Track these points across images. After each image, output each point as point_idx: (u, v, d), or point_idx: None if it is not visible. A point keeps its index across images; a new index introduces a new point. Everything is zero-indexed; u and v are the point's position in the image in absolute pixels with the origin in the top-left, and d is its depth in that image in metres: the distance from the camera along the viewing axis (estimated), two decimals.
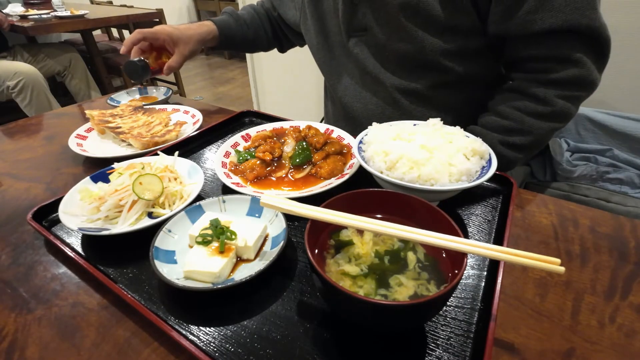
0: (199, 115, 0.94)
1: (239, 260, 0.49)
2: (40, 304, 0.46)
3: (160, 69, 0.93)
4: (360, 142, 0.62)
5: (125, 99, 1.13)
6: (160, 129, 0.88)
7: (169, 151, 0.73)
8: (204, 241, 0.48)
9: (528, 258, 0.35)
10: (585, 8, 0.60)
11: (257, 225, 0.50)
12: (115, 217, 0.56)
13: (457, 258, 0.37)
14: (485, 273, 0.46)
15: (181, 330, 0.40)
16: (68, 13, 2.59)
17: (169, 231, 0.51)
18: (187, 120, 0.95)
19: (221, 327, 0.41)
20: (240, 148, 0.75)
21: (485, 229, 0.55)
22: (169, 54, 0.94)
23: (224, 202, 0.56)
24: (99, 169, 0.65)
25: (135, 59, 0.88)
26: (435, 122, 0.63)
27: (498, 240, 0.52)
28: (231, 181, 0.64)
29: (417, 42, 0.72)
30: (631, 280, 0.46)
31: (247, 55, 2.45)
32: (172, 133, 0.86)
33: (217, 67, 4.76)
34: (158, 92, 1.17)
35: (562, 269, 0.34)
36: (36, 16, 2.49)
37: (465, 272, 0.40)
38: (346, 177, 0.63)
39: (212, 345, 0.39)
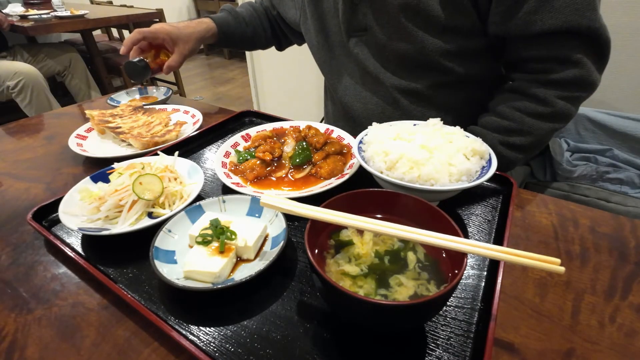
0: (199, 115, 0.94)
1: (239, 260, 0.49)
2: (40, 304, 0.46)
3: (160, 68, 0.93)
4: (360, 142, 0.62)
5: (125, 99, 1.13)
6: (160, 129, 0.88)
7: (169, 151, 0.73)
8: (204, 241, 0.48)
9: (528, 258, 0.35)
10: (585, 9, 0.60)
11: (257, 225, 0.50)
12: (115, 217, 0.56)
13: (457, 258, 0.37)
14: (485, 273, 0.46)
15: (181, 330, 0.40)
16: (68, 13, 2.59)
17: (169, 231, 0.51)
18: (187, 120, 0.95)
19: (221, 327, 0.41)
20: (240, 148, 0.75)
21: (485, 229, 0.55)
22: (168, 52, 0.94)
23: (224, 202, 0.56)
24: (99, 169, 0.65)
25: (135, 59, 0.88)
26: (435, 122, 0.63)
27: (498, 240, 0.52)
28: (231, 181, 0.64)
29: (417, 42, 0.72)
30: (631, 280, 0.46)
31: (247, 55, 2.45)
32: (172, 133, 0.86)
33: (217, 67, 4.76)
34: (158, 92, 1.17)
35: (562, 269, 0.34)
36: (36, 16, 2.49)
37: (465, 272, 0.40)
38: (346, 177, 0.63)
39: (212, 345, 0.39)
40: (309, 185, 0.64)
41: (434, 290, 0.38)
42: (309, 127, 0.77)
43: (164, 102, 1.10)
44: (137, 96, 1.16)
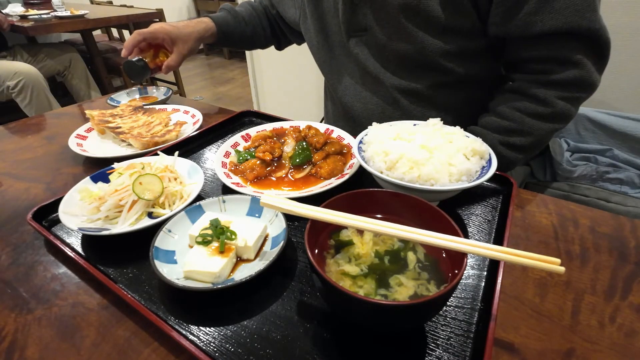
0: (199, 115, 0.94)
1: (239, 260, 0.49)
2: (40, 304, 0.46)
3: (159, 67, 0.93)
4: (360, 142, 0.62)
5: (125, 99, 1.13)
6: (160, 129, 0.88)
7: (169, 151, 0.73)
8: (204, 241, 0.48)
9: (528, 258, 0.35)
10: (586, 10, 0.60)
11: (257, 225, 0.50)
12: (115, 217, 0.56)
13: (457, 258, 0.37)
14: (485, 273, 0.46)
15: (181, 330, 0.40)
16: (68, 13, 2.59)
17: (169, 231, 0.51)
18: (187, 120, 0.95)
19: (221, 327, 0.41)
20: (240, 148, 0.75)
21: (485, 229, 0.55)
22: (167, 52, 0.94)
23: (224, 202, 0.56)
24: (99, 169, 0.65)
25: (135, 59, 0.88)
26: (435, 122, 0.63)
27: (498, 240, 0.52)
28: (231, 181, 0.64)
29: (417, 42, 0.72)
30: (631, 280, 0.46)
31: (247, 55, 2.45)
32: (172, 133, 0.86)
33: (217, 67, 4.76)
34: (158, 92, 1.17)
35: (562, 269, 0.34)
36: (36, 16, 2.49)
37: (465, 272, 0.40)
38: (346, 177, 0.63)
39: (212, 345, 0.39)
40: (309, 185, 0.64)
41: (434, 290, 0.38)
42: (309, 127, 0.77)
43: (164, 102, 1.10)
44: (137, 96, 1.16)
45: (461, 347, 0.38)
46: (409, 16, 0.70)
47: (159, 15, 2.96)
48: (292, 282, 0.46)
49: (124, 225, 0.54)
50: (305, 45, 1.02)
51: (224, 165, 0.69)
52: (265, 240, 0.51)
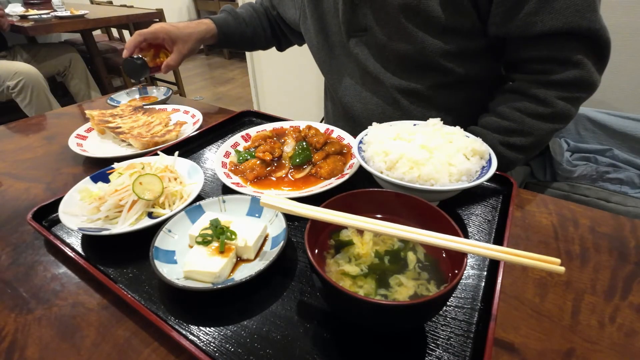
0: (199, 115, 0.94)
1: (239, 260, 0.49)
2: (40, 304, 0.46)
3: (159, 67, 0.93)
4: (360, 142, 0.62)
5: (125, 99, 1.13)
6: (160, 129, 0.88)
7: (169, 151, 0.73)
8: (204, 241, 0.48)
9: (528, 258, 0.35)
10: (586, 10, 0.60)
11: (257, 225, 0.50)
12: (115, 217, 0.56)
13: (457, 258, 0.37)
14: (485, 273, 0.46)
15: (181, 330, 0.40)
16: (68, 13, 2.59)
17: (169, 231, 0.51)
18: (187, 120, 0.95)
19: (221, 327, 0.41)
20: (240, 148, 0.75)
21: (485, 229, 0.55)
22: (167, 52, 0.94)
23: (224, 202, 0.56)
24: (99, 169, 0.65)
25: (134, 57, 0.88)
26: (435, 122, 0.63)
27: (498, 240, 0.52)
28: (231, 181, 0.64)
29: (417, 42, 0.72)
30: (631, 280, 0.46)
31: (247, 55, 2.45)
32: (172, 133, 0.86)
33: (217, 67, 4.76)
34: (158, 92, 1.17)
35: (562, 269, 0.34)
36: (36, 16, 2.49)
37: (465, 272, 0.40)
38: (346, 177, 0.63)
39: (212, 345, 0.39)
40: (309, 185, 0.64)
41: (434, 290, 0.38)
42: (309, 127, 0.77)
43: (164, 102, 1.10)
44: (137, 96, 1.16)
45: (461, 347, 0.38)
46: (409, 16, 0.70)
47: (159, 15, 2.96)
48: (292, 282, 0.46)
49: (124, 225, 0.54)
50: (305, 46, 1.02)
51: (224, 165, 0.69)
52: (265, 240, 0.51)
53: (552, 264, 0.34)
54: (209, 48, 1.04)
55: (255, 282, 0.44)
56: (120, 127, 0.88)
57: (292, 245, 0.52)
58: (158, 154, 0.69)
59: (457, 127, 0.61)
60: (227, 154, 0.72)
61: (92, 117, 0.89)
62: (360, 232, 0.44)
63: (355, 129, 0.82)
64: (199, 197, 0.59)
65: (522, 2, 0.63)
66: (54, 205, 0.58)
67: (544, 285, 0.46)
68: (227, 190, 0.64)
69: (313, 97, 2.27)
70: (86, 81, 2.77)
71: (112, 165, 0.65)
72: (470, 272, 0.47)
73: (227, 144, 0.74)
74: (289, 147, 0.73)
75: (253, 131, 0.79)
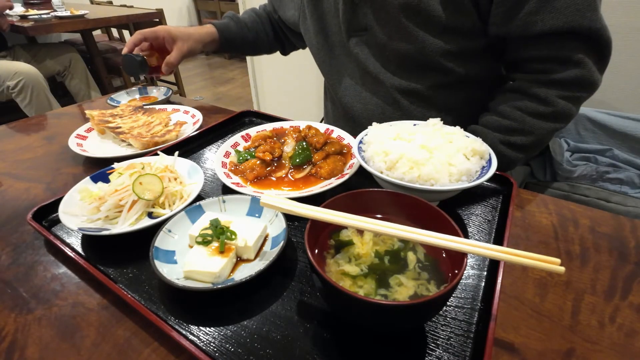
0: (199, 115, 0.94)
1: (239, 260, 0.49)
2: (40, 304, 0.46)
3: (159, 67, 0.93)
4: (360, 142, 0.62)
5: (125, 99, 1.13)
6: (160, 129, 0.88)
7: (169, 151, 0.73)
8: (204, 241, 0.48)
9: (528, 258, 0.35)
10: (586, 9, 0.60)
11: (257, 225, 0.50)
12: (115, 217, 0.56)
13: (457, 258, 0.37)
14: (485, 273, 0.46)
15: (181, 330, 0.40)
16: (68, 13, 2.59)
17: (169, 231, 0.51)
18: (187, 120, 0.95)
19: (221, 327, 0.41)
20: (240, 148, 0.75)
21: (485, 229, 0.55)
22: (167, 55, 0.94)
23: (224, 202, 0.56)
24: (99, 169, 0.65)
25: (134, 54, 0.88)
26: (435, 122, 0.63)
27: (498, 240, 0.52)
28: (231, 181, 0.64)
29: (417, 42, 0.72)
30: (631, 280, 0.46)
31: None
32: (172, 133, 0.86)
33: (217, 67, 4.76)
34: (158, 92, 1.17)
35: (562, 269, 0.34)
36: (36, 16, 2.49)
37: (465, 272, 0.40)
38: (346, 177, 0.63)
39: (212, 345, 0.39)
40: (309, 185, 0.64)
41: (434, 290, 0.38)
42: (309, 127, 0.77)
43: (164, 102, 1.10)
44: (137, 96, 1.16)
45: (461, 347, 0.38)
46: (409, 15, 0.70)
47: (158, 16, 2.96)
48: (292, 282, 0.46)
49: (124, 225, 0.54)
50: (306, 47, 1.02)
51: (224, 165, 0.69)
52: (265, 240, 0.51)
53: (552, 264, 0.34)
54: (213, 53, 1.05)
55: (255, 282, 0.44)
56: (120, 127, 0.88)
57: (292, 245, 0.52)
58: (158, 154, 0.69)
59: (457, 127, 0.61)
60: (227, 154, 0.72)
61: (92, 117, 0.89)
62: (360, 232, 0.44)
63: (355, 129, 0.82)
64: (199, 197, 0.59)
65: (523, 2, 0.63)
66: (54, 205, 0.58)
67: (544, 285, 0.46)
68: (227, 190, 0.64)
69: (313, 97, 2.27)
70: (86, 81, 2.77)
71: (112, 165, 0.65)
72: (470, 272, 0.47)
73: (227, 144, 0.74)
74: (289, 147, 0.73)
75: (253, 131, 0.79)
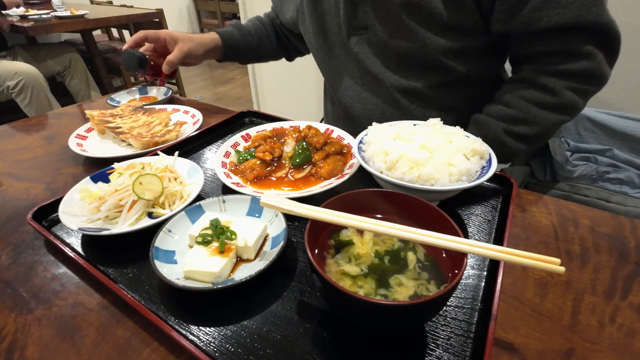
0: (199, 115, 0.94)
1: (239, 260, 0.49)
2: (40, 304, 0.46)
3: (159, 67, 0.92)
4: (360, 142, 0.62)
5: (125, 99, 1.13)
6: (160, 129, 0.88)
7: (169, 151, 0.73)
8: (204, 241, 0.48)
9: (528, 258, 0.35)
10: (592, 4, 0.59)
11: (257, 225, 0.50)
12: (115, 217, 0.56)
13: (457, 258, 0.37)
14: (485, 273, 0.46)
15: (181, 330, 0.40)
16: (68, 13, 2.59)
17: (169, 231, 0.51)
18: (187, 120, 0.95)
19: (221, 327, 0.41)
20: (240, 148, 0.75)
21: (485, 229, 0.55)
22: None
23: (224, 202, 0.56)
24: (99, 169, 0.65)
25: (134, 50, 0.87)
26: (435, 122, 0.63)
27: (498, 240, 0.52)
28: (231, 181, 0.64)
29: (418, 40, 0.72)
30: (631, 280, 0.46)
31: None
32: (172, 133, 0.86)
33: (217, 67, 4.76)
34: (158, 92, 1.17)
35: (562, 269, 0.34)
36: (36, 16, 2.49)
37: (465, 272, 0.40)
38: (346, 177, 0.63)
39: (212, 345, 0.39)
40: (309, 185, 0.64)
41: (434, 290, 0.38)
42: (309, 127, 0.77)
43: (164, 102, 1.10)
44: (137, 96, 1.16)
45: (461, 347, 0.38)
46: (410, 13, 0.70)
47: (158, 16, 2.96)
48: (292, 282, 0.46)
49: (124, 225, 0.54)
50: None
51: (224, 165, 0.69)
52: (265, 240, 0.51)
53: (552, 264, 0.34)
54: (220, 62, 1.04)
55: (255, 282, 0.44)
56: (120, 127, 0.88)
57: (292, 245, 0.52)
58: (158, 154, 0.69)
59: (457, 127, 0.61)
60: (227, 154, 0.72)
61: (92, 117, 0.89)
62: (360, 232, 0.44)
63: (355, 129, 0.82)
64: (199, 197, 0.59)
65: None
66: (54, 205, 0.58)
67: (544, 285, 0.46)
68: (227, 190, 0.64)
69: (313, 97, 2.27)
70: (86, 81, 2.77)
71: (112, 165, 0.65)
72: (470, 272, 0.47)
73: (227, 144, 0.74)
74: (289, 147, 0.73)
75: (253, 131, 0.79)
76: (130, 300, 0.43)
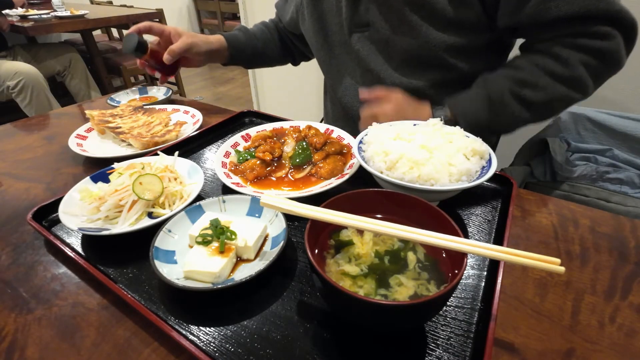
0: (199, 115, 0.94)
1: (239, 260, 0.49)
2: (40, 304, 0.46)
3: (160, 55, 0.89)
4: (360, 142, 0.63)
5: (125, 99, 1.13)
6: (160, 129, 0.88)
7: (169, 151, 0.73)
8: (204, 241, 0.48)
9: (528, 258, 0.35)
10: None
11: (257, 225, 0.50)
12: (115, 217, 0.56)
13: (457, 258, 0.37)
14: (485, 273, 0.46)
15: (181, 330, 0.40)
16: (68, 13, 2.60)
17: (169, 231, 0.51)
18: (187, 120, 0.95)
19: (221, 327, 0.41)
20: (240, 148, 0.75)
21: (485, 229, 0.55)
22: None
23: (224, 202, 0.56)
24: (99, 169, 0.65)
25: (137, 34, 0.85)
26: (435, 122, 0.63)
27: (498, 240, 0.52)
28: (231, 181, 0.64)
29: (421, 36, 0.72)
30: (631, 280, 0.46)
31: None
32: (172, 133, 0.86)
33: (217, 67, 4.76)
34: (158, 92, 1.17)
35: (562, 269, 0.34)
36: (36, 16, 2.49)
37: (465, 272, 0.40)
38: (346, 177, 0.63)
39: (212, 345, 0.39)
40: (309, 185, 0.64)
41: (434, 290, 0.38)
42: (309, 127, 0.77)
43: (164, 102, 1.10)
44: (137, 96, 1.16)
45: (461, 347, 0.38)
46: (413, 9, 0.70)
47: (158, 16, 2.96)
48: (292, 282, 0.46)
49: (124, 225, 0.54)
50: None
51: (224, 165, 0.69)
52: (265, 240, 0.51)
53: (552, 264, 0.34)
54: (225, 65, 1.03)
55: (255, 282, 0.44)
56: (120, 127, 0.88)
57: (292, 245, 0.52)
58: (158, 154, 0.69)
59: (457, 127, 0.61)
60: (227, 154, 0.72)
61: (92, 117, 0.89)
62: (360, 232, 0.44)
63: (355, 129, 0.82)
64: (199, 197, 0.59)
65: None
66: (54, 205, 0.58)
67: (544, 285, 0.46)
68: (227, 190, 0.64)
69: (313, 97, 2.27)
70: (86, 81, 2.77)
71: (112, 165, 0.65)
72: (470, 272, 0.47)
73: (227, 144, 0.74)
74: (289, 147, 0.73)
75: (253, 131, 0.79)
76: (130, 300, 0.43)
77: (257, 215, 0.56)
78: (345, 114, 0.92)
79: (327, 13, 0.85)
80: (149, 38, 0.92)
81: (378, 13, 0.75)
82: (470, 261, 0.48)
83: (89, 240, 0.55)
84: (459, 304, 0.42)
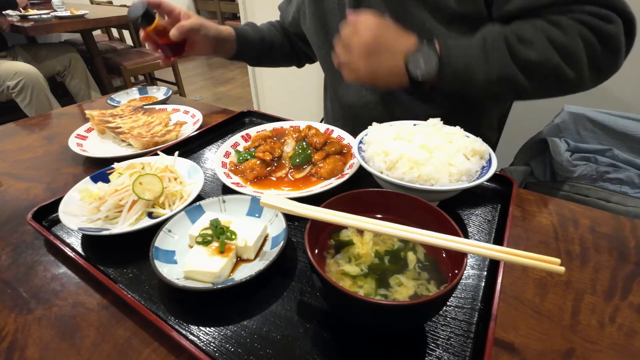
0: (199, 115, 0.94)
1: (239, 260, 0.49)
2: (40, 304, 0.46)
3: (167, 31, 0.83)
4: (360, 142, 0.63)
5: (125, 99, 1.13)
6: (160, 129, 0.88)
7: (169, 151, 0.73)
8: (204, 241, 0.48)
9: (528, 258, 0.35)
10: None
11: (257, 225, 0.50)
12: (115, 217, 0.56)
13: (457, 258, 0.37)
14: (485, 273, 0.46)
15: (181, 330, 0.40)
16: (68, 13, 2.60)
17: (169, 231, 0.51)
18: (187, 120, 0.95)
19: (221, 327, 0.41)
20: (240, 148, 0.75)
21: (485, 229, 0.55)
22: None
23: (224, 202, 0.56)
24: (99, 169, 0.65)
25: (145, 2, 0.80)
26: (435, 122, 0.63)
27: (498, 240, 0.52)
28: (231, 181, 0.64)
29: (423, 32, 0.72)
30: (631, 280, 0.46)
31: None
32: (172, 133, 0.86)
33: (217, 67, 4.76)
34: (158, 92, 1.17)
35: (562, 269, 0.34)
36: (36, 16, 2.49)
37: (465, 272, 0.40)
38: (346, 177, 0.63)
39: (212, 345, 0.39)
40: (309, 185, 0.64)
41: (434, 290, 0.38)
42: (309, 127, 0.77)
43: (164, 102, 1.10)
44: (137, 96, 1.16)
45: (461, 347, 0.38)
46: (417, 3, 0.70)
47: None
48: (292, 282, 0.46)
49: (124, 225, 0.54)
50: None
51: (224, 165, 0.69)
52: (265, 240, 0.51)
53: (552, 264, 0.34)
54: (230, 60, 1.00)
55: (255, 282, 0.44)
56: (120, 127, 0.88)
57: (292, 245, 0.52)
58: (158, 154, 0.69)
59: (457, 127, 0.61)
60: (227, 154, 0.72)
61: (92, 117, 0.89)
62: (360, 232, 0.44)
63: (355, 128, 0.82)
64: (199, 197, 0.59)
65: None
66: (54, 205, 0.58)
67: (544, 285, 0.46)
68: (227, 190, 0.64)
69: (313, 97, 2.27)
70: (86, 81, 2.77)
71: (112, 165, 0.65)
72: (470, 272, 0.47)
73: (227, 144, 0.74)
74: (289, 147, 0.73)
75: (253, 131, 0.80)
76: (130, 300, 0.43)
77: (257, 215, 0.56)
78: (346, 112, 0.92)
79: (328, 12, 0.85)
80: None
81: (381, 7, 0.75)
82: (470, 261, 0.48)
83: (89, 240, 0.55)
84: (459, 304, 0.42)
